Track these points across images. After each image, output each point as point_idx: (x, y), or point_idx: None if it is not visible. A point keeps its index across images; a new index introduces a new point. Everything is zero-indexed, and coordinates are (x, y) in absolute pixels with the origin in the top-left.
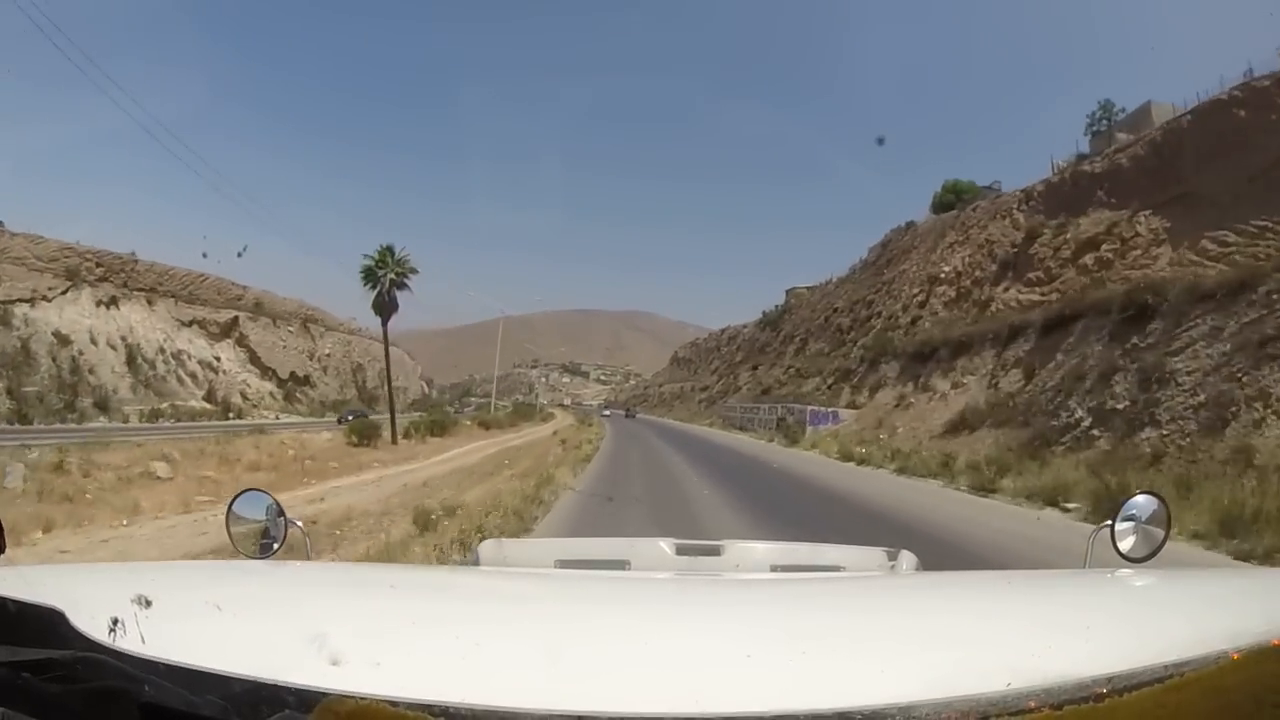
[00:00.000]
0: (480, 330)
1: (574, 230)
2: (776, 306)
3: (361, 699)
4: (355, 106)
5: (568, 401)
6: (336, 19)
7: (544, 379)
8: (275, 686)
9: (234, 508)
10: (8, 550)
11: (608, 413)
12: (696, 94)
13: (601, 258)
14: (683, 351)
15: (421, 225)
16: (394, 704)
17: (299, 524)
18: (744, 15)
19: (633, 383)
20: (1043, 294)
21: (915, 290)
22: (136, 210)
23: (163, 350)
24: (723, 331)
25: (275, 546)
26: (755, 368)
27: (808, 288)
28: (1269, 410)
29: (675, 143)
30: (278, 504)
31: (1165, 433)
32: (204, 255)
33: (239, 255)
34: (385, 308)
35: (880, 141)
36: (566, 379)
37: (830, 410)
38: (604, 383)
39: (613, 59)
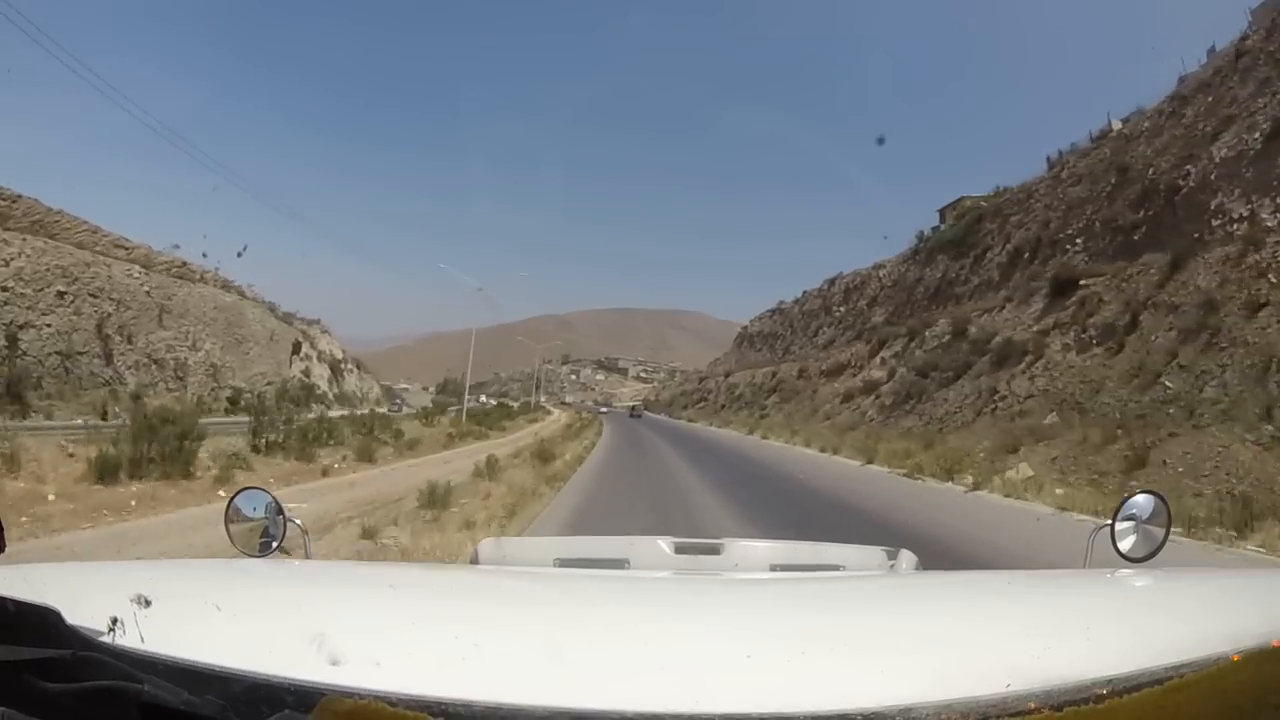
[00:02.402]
0: (522, 329)
1: (618, 235)
2: (935, 228)
3: (361, 698)
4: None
5: (569, 399)
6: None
7: (574, 376)
8: (275, 685)
9: (233, 506)
10: (7, 549)
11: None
12: (744, 108)
13: (645, 261)
14: (757, 325)
15: (453, 229)
16: (393, 703)
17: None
18: (796, 24)
19: (678, 379)
20: None
21: None
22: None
23: None
24: (831, 284)
25: (274, 545)
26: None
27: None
28: None
29: (717, 153)
30: (277, 502)
31: None
32: (204, 255)
33: (238, 255)
34: None
35: (880, 141)
36: (600, 376)
37: None
38: (644, 380)
39: (665, 69)
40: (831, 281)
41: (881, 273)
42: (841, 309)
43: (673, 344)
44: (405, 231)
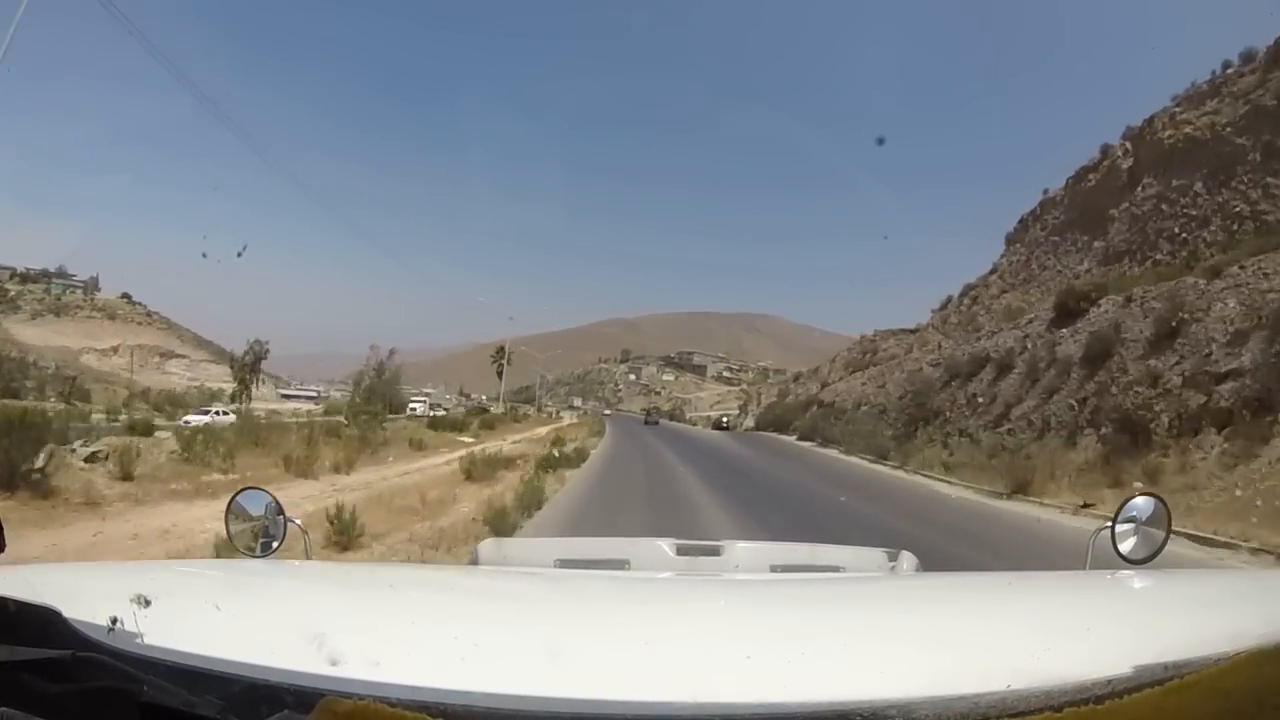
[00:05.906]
0: (588, 332)
1: (688, 241)
2: None
3: (360, 698)
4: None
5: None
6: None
7: (633, 376)
8: (274, 685)
9: (233, 506)
10: (7, 549)
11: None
12: (811, 120)
13: (715, 266)
14: (1199, 114)
15: (507, 233)
16: (393, 703)
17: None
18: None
19: (776, 380)
20: None
21: None
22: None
23: None
24: None
25: (274, 545)
26: None
27: None
28: None
29: (787, 159)
30: (277, 502)
31: None
32: (204, 255)
33: (238, 255)
34: None
35: (880, 141)
36: (670, 376)
37: None
38: (729, 381)
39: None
40: None
41: None
42: None
43: (747, 347)
44: (443, 236)
